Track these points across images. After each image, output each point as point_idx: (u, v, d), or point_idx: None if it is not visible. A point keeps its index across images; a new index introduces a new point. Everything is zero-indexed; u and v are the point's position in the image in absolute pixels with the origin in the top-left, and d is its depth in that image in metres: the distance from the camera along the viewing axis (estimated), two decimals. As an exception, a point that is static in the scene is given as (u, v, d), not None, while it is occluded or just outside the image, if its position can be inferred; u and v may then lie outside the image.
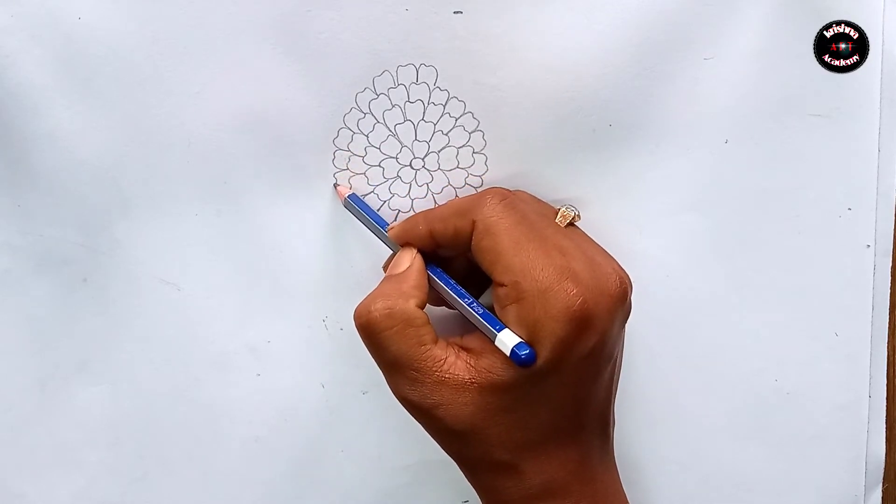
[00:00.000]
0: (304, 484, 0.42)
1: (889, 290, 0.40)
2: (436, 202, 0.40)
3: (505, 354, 0.32)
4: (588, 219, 0.38)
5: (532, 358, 0.31)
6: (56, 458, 0.42)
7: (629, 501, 0.37)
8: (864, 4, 0.37)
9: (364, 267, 0.40)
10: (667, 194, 0.39)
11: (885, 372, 0.41)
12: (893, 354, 0.41)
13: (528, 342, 0.32)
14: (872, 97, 0.38)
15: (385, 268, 0.38)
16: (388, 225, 0.37)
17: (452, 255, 0.37)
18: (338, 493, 0.42)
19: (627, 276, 0.35)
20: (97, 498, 0.42)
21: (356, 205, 0.38)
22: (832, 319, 0.41)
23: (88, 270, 0.40)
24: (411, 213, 0.40)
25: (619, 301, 0.33)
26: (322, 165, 0.39)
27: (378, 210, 0.39)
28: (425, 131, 0.39)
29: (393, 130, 0.39)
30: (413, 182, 0.39)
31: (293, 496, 0.42)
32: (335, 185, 0.39)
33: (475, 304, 0.34)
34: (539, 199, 0.38)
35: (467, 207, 0.35)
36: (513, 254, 0.33)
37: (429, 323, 0.34)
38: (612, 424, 0.36)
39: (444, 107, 0.38)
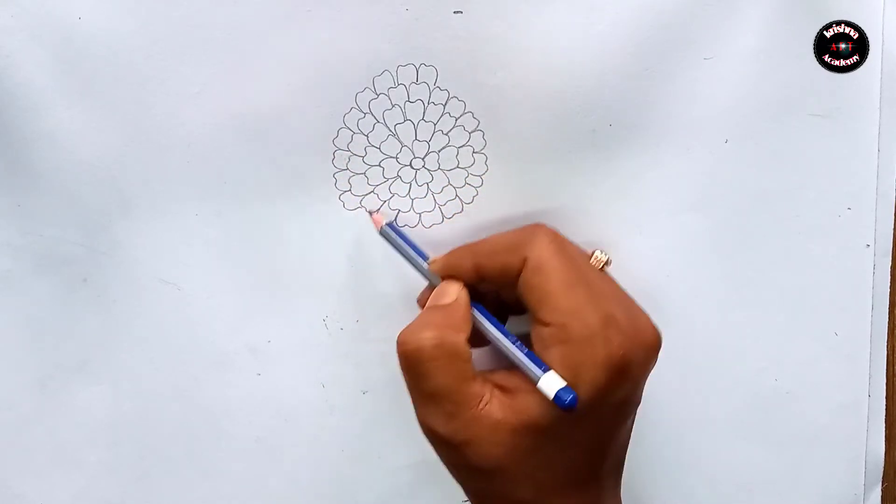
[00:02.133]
0: (304, 484, 0.42)
1: (889, 290, 0.40)
2: (436, 202, 0.40)
3: (542, 396, 0.32)
4: (588, 219, 0.38)
5: (575, 403, 0.31)
6: (56, 458, 0.42)
7: (629, 501, 0.37)
8: (864, 4, 0.37)
9: (365, 267, 0.40)
10: (667, 194, 0.39)
11: (885, 372, 0.41)
12: (893, 354, 0.41)
13: (568, 385, 0.31)
14: (872, 97, 0.38)
15: (420, 300, 0.38)
16: (428, 257, 0.37)
17: (488, 291, 0.37)
18: (338, 493, 0.42)
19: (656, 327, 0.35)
20: (97, 498, 0.42)
21: (395, 233, 0.38)
22: (832, 319, 0.41)
23: (88, 270, 0.40)
24: (411, 213, 0.40)
25: (655, 353, 0.34)
26: (322, 165, 0.39)
27: (378, 210, 0.39)
28: (425, 131, 0.39)
29: (393, 130, 0.39)
30: (413, 182, 0.39)
31: (293, 496, 0.42)
32: (370, 213, 0.39)
33: (519, 343, 0.34)
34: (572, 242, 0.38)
35: (517, 244, 0.34)
36: (562, 295, 0.32)
37: (471, 359, 0.33)
38: (622, 466, 0.36)
39: (444, 107, 0.38)
